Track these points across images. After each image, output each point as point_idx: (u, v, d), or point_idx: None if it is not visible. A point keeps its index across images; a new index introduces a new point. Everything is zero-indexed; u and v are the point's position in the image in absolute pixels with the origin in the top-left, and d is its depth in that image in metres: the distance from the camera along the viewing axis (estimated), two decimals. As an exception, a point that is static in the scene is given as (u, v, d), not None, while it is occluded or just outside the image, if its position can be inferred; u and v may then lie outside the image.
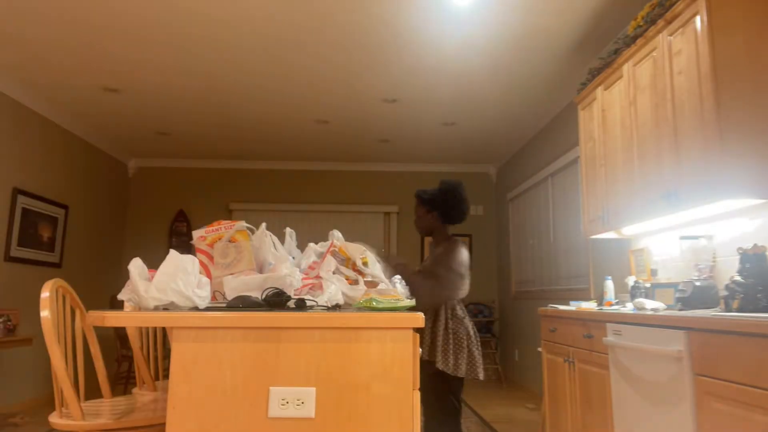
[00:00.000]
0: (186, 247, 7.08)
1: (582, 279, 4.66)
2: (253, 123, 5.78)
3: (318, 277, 1.67)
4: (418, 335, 1.38)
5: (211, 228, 1.84)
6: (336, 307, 1.53)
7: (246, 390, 1.30)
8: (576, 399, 3.03)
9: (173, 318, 1.32)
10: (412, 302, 1.50)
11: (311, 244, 2.01)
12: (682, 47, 2.58)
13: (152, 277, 1.45)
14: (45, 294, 1.76)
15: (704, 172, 2.39)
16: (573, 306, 3.35)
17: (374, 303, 1.42)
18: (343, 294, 1.60)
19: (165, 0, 3.45)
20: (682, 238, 2.89)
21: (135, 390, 2.27)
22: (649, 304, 2.58)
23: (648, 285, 3.06)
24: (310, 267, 1.85)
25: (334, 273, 1.68)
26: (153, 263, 1.54)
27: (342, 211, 7.30)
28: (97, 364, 2.06)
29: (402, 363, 1.34)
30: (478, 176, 7.49)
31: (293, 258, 1.99)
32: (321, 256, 1.88)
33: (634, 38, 3.03)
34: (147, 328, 2.49)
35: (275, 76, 4.58)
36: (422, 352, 2.62)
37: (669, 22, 2.69)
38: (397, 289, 1.67)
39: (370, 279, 1.71)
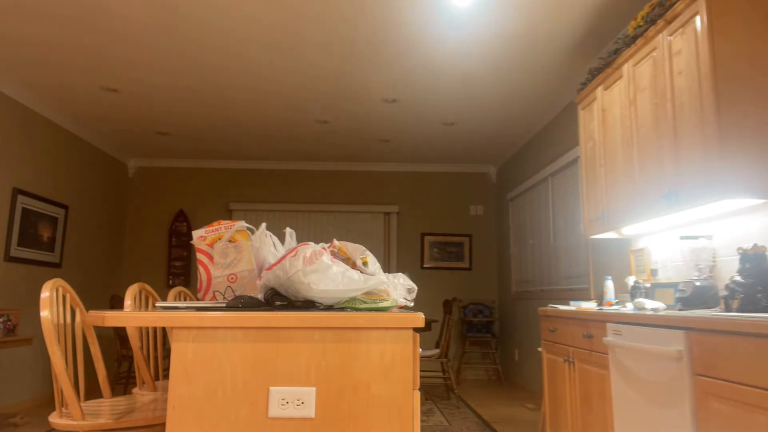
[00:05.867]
0: (186, 247, 7.09)
1: (582, 279, 4.66)
2: (253, 123, 5.78)
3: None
4: (418, 335, 1.38)
5: (211, 228, 1.85)
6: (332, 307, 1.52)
7: (246, 390, 1.30)
8: (576, 399, 3.03)
9: (173, 318, 1.32)
10: (395, 302, 1.49)
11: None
12: (682, 47, 2.58)
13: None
14: (45, 294, 1.77)
15: (704, 172, 2.39)
16: (573, 306, 3.35)
17: (357, 303, 1.42)
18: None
19: (165, 0, 3.45)
20: (682, 238, 2.89)
21: (135, 390, 2.27)
22: (649, 304, 2.58)
23: (648, 285, 3.06)
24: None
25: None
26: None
27: (342, 211, 7.30)
28: (97, 364, 2.06)
29: (402, 363, 1.34)
30: (478, 176, 7.49)
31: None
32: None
33: (634, 38, 3.03)
34: (147, 328, 2.49)
35: (275, 76, 4.58)
36: None
37: (669, 22, 2.69)
38: (396, 289, 1.67)
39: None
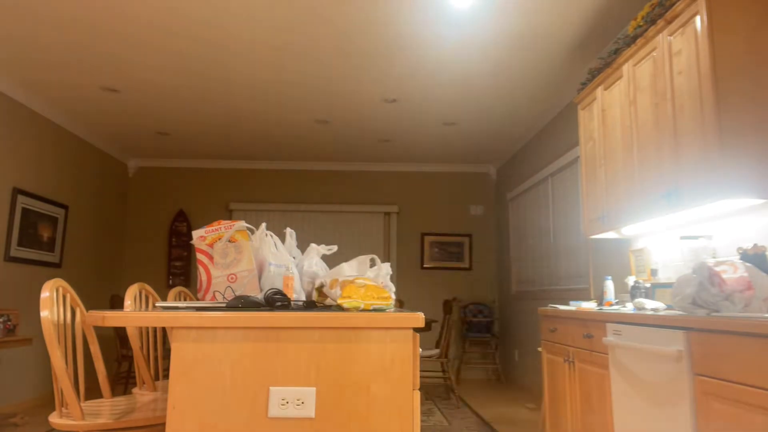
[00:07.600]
0: (186, 247, 7.08)
1: (582, 279, 4.66)
2: (253, 123, 5.78)
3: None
4: (418, 335, 1.38)
5: (211, 228, 1.85)
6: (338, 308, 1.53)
7: (246, 390, 1.30)
8: (576, 399, 3.03)
9: (173, 318, 1.32)
10: (392, 304, 1.47)
11: (313, 245, 2.02)
12: (682, 47, 2.58)
13: None
14: (45, 294, 1.77)
15: (704, 172, 2.39)
16: (573, 306, 3.35)
17: (356, 304, 1.40)
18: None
19: (165, 0, 3.45)
20: (682, 238, 2.89)
21: (135, 390, 2.27)
22: (649, 304, 2.58)
23: (648, 285, 3.06)
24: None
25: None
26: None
27: (342, 211, 7.30)
28: (97, 364, 2.06)
29: (402, 363, 1.34)
30: (478, 176, 7.49)
31: (294, 258, 1.99)
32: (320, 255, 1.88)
33: (634, 38, 3.03)
34: (147, 328, 2.49)
35: (275, 76, 4.58)
36: None
37: (669, 22, 2.69)
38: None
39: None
